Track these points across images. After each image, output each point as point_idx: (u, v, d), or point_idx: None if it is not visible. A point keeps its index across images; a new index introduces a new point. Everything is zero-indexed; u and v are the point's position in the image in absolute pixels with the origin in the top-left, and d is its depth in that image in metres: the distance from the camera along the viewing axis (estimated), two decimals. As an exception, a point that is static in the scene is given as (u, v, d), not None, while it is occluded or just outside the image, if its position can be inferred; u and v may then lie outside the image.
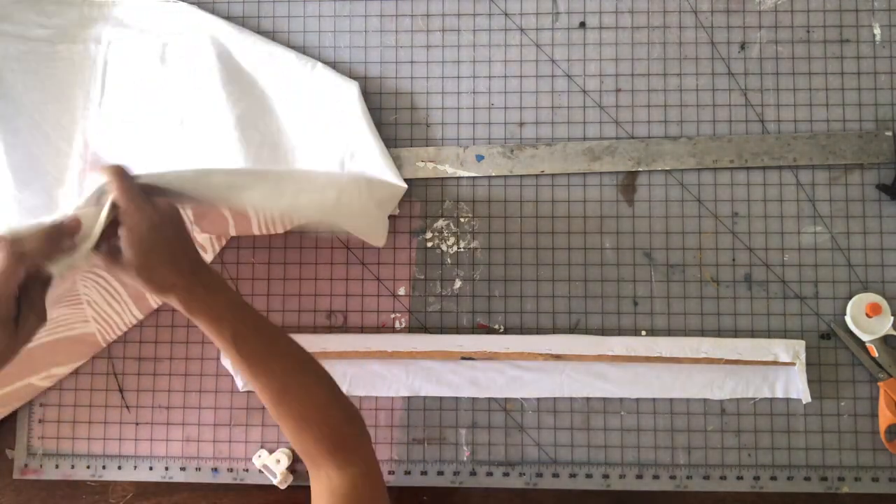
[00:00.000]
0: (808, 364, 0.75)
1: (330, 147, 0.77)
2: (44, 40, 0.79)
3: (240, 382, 0.79)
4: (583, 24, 0.81)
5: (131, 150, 0.76)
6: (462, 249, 0.80)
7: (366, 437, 0.57)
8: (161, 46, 0.79)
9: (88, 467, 0.80)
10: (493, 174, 0.80)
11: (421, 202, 0.81)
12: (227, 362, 0.78)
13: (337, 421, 0.56)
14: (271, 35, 0.82)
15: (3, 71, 0.77)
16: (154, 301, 0.78)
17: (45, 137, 0.76)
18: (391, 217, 0.80)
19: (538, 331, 0.78)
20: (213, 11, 0.81)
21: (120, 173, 0.53)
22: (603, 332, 0.78)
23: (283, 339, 0.58)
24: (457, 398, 0.78)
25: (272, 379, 0.55)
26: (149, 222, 0.51)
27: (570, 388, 0.77)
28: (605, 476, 0.76)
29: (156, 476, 0.79)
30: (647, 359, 0.76)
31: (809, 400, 0.75)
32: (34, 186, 0.73)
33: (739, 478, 0.76)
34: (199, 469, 0.79)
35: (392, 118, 0.81)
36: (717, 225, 0.78)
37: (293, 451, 0.78)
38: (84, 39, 0.79)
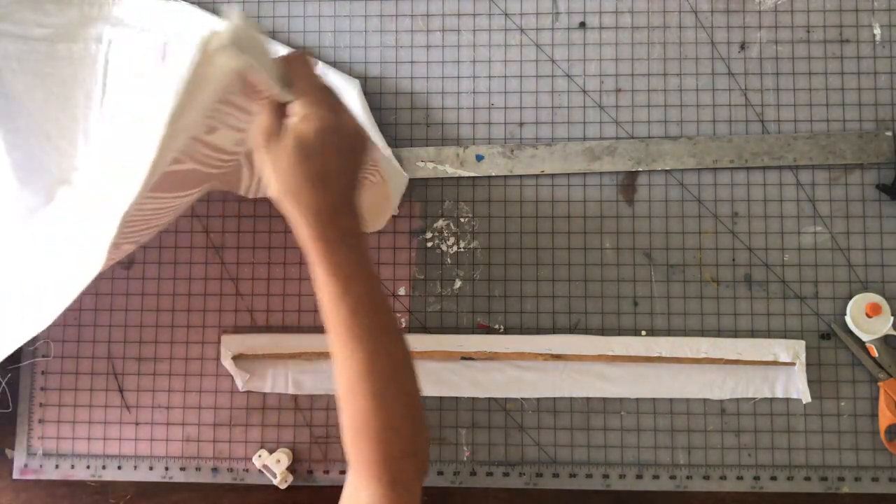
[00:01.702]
0: (808, 364, 0.75)
1: None
2: (43, 40, 0.79)
3: (239, 383, 0.79)
4: (583, 24, 0.81)
5: (133, 150, 0.76)
6: (462, 249, 0.80)
7: (422, 477, 0.50)
8: (162, 45, 0.79)
9: (88, 467, 0.80)
10: (493, 174, 0.80)
11: (421, 202, 0.81)
12: (227, 361, 0.78)
13: (408, 439, 0.47)
14: (272, 35, 0.82)
15: (3, 71, 0.77)
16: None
17: (47, 137, 0.76)
18: (391, 217, 0.80)
19: (538, 331, 0.78)
20: (213, 11, 0.81)
21: (306, 61, 0.43)
22: (603, 332, 0.78)
23: (396, 324, 0.48)
24: (457, 398, 0.78)
25: (373, 359, 0.45)
26: (322, 122, 0.41)
27: (570, 388, 0.77)
28: (605, 476, 0.76)
29: (156, 476, 0.79)
30: (647, 359, 0.76)
31: (809, 400, 0.75)
32: (35, 186, 0.73)
33: (739, 478, 0.76)
34: (199, 469, 0.79)
35: (392, 118, 0.81)
36: (717, 225, 0.78)
37: (293, 451, 0.78)
38: (84, 38, 0.79)
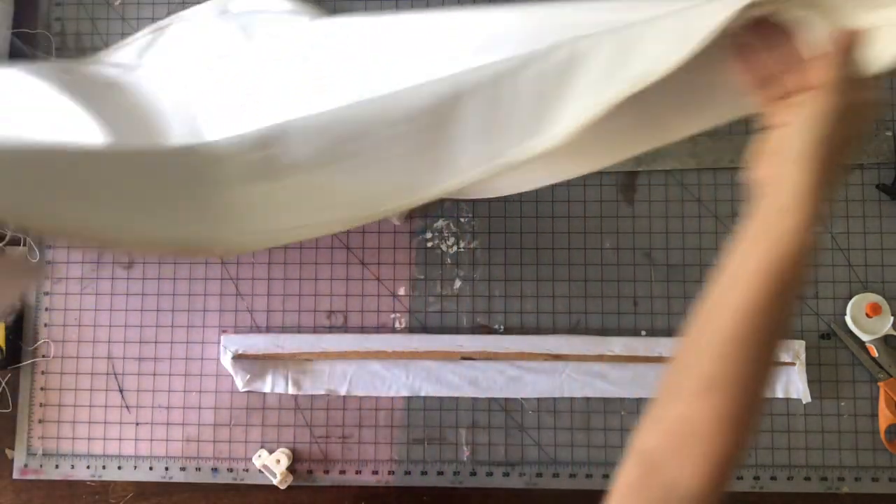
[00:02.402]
0: (808, 364, 0.75)
1: None
2: None
3: (239, 383, 0.79)
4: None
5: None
6: (462, 249, 0.80)
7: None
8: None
9: (88, 467, 0.79)
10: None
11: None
12: (227, 361, 0.78)
13: (742, 445, 0.39)
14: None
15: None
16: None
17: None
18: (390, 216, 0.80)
19: (538, 331, 0.78)
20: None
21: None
22: (603, 332, 0.78)
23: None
24: (457, 398, 0.78)
25: (757, 357, 0.39)
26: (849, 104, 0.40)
27: (570, 388, 0.77)
28: (606, 476, 0.76)
29: (156, 476, 0.79)
30: (647, 359, 0.76)
31: (809, 400, 0.75)
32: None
33: (739, 478, 0.76)
34: (199, 469, 0.79)
35: (392, 118, 0.81)
36: (717, 225, 0.78)
37: (293, 451, 0.78)
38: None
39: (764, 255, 0.38)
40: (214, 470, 0.79)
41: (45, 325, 0.82)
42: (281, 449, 0.78)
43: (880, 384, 0.75)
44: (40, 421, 0.80)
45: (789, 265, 0.38)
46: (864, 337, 0.75)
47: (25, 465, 0.80)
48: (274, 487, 0.77)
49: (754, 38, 0.44)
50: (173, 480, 0.79)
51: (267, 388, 0.79)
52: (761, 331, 0.38)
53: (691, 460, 0.37)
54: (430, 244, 0.80)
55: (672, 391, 0.41)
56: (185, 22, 0.77)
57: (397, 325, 0.80)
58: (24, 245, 0.82)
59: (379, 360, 0.78)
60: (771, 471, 0.75)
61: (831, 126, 0.40)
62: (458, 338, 0.78)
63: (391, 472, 0.78)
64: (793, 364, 0.75)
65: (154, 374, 0.80)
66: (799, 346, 0.75)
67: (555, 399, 0.77)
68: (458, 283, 0.80)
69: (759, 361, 0.39)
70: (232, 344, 0.79)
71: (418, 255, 0.80)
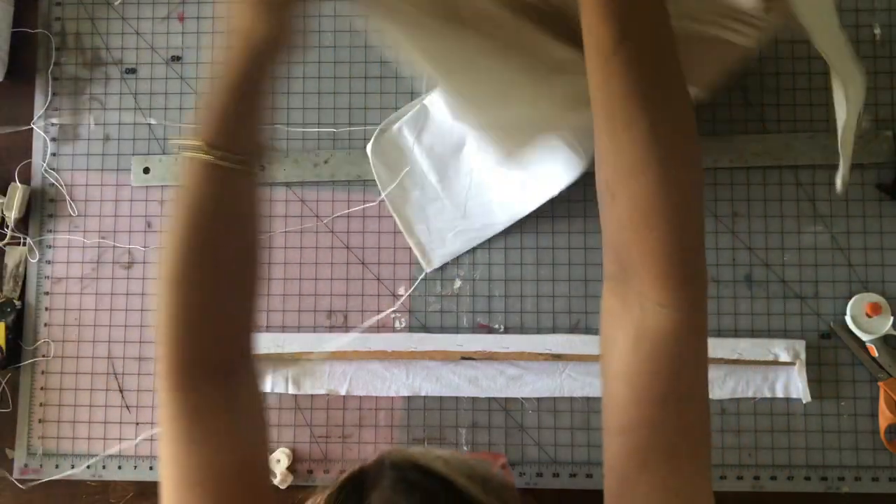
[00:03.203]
0: (808, 364, 0.75)
1: None
2: None
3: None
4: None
5: None
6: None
7: (705, 285, 0.39)
8: None
9: (88, 467, 0.79)
10: (493, 174, 0.80)
11: (421, 202, 0.80)
12: None
13: (692, 241, 0.38)
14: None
15: None
16: None
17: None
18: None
19: (538, 331, 0.78)
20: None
21: None
22: (603, 332, 0.78)
23: (683, 80, 0.39)
24: (457, 398, 0.78)
25: (656, 127, 0.37)
26: None
27: (570, 388, 0.77)
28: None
29: (156, 476, 0.79)
30: (647, 359, 0.76)
31: (809, 400, 0.75)
32: None
33: (739, 478, 0.76)
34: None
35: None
36: (717, 225, 0.78)
37: (293, 451, 0.78)
38: None
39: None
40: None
41: (45, 325, 0.82)
42: (281, 449, 0.78)
43: (880, 384, 0.75)
44: (40, 421, 0.80)
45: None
46: (864, 337, 0.75)
47: (25, 465, 0.80)
48: (274, 487, 0.77)
49: None
50: (173, 480, 0.79)
51: (267, 388, 0.79)
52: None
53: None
54: (430, 244, 0.80)
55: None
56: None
57: (397, 325, 0.80)
58: (24, 245, 0.82)
59: (379, 360, 0.78)
60: (771, 471, 0.75)
61: None
62: (458, 338, 0.78)
63: (391, 472, 0.78)
64: (793, 364, 0.75)
65: (154, 374, 0.80)
66: (799, 346, 0.75)
67: (555, 399, 0.77)
68: (458, 283, 0.80)
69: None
70: (232, 344, 0.79)
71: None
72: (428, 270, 0.79)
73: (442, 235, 0.78)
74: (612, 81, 0.36)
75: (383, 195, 0.79)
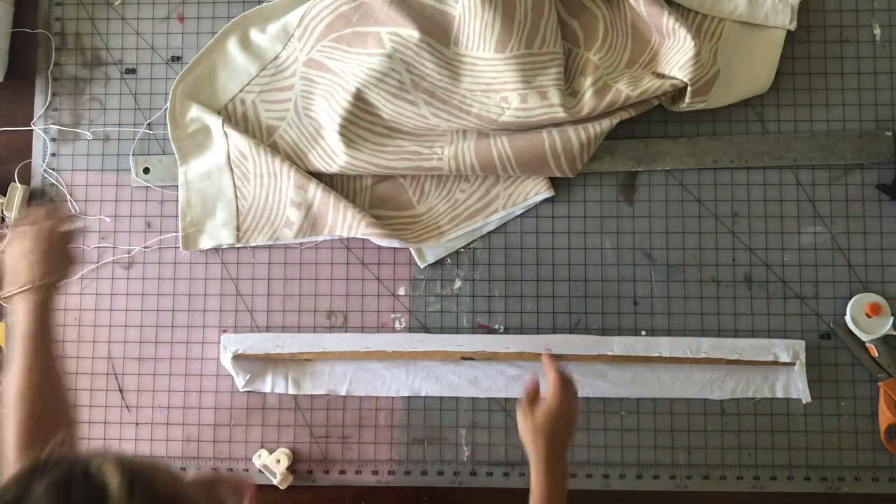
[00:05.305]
0: (808, 364, 0.75)
1: None
2: None
3: (240, 383, 0.79)
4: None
5: None
6: (462, 249, 0.80)
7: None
8: None
9: (88, 467, 0.79)
10: (493, 174, 0.80)
11: (421, 202, 0.80)
12: (227, 361, 0.78)
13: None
14: (271, 35, 0.82)
15: None
16: None
17: None
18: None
19: (538, 331, 0.78)
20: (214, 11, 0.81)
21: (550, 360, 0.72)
22: (603, 332, 0.78)
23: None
24: (457, 398, 0.78)
25: None
26: (564, 404, 0.65)
27: (570, 388, 0.77)
28: (606, 476, 0.76)
29: (156, 476, 0.79)
30: (647, 359, 0.76)
31: (809, 400, 0.75)
32: None
33: (739, 478, 0.76)
34: (200, 469, 0.79)
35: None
36: (717, 225, 0.78)
37: (293, 451, 0.78)
38: None
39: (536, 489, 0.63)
40: (214, 470, 0.79)
41: (45, 325, 0.82)
42: (281, 449, 0.78)
43: (880, 384, 0.75)
44: (40, 421, 0.80)
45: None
46: (864, 337, 0.75)
47: (25, 465, 0.80)
48: (274, 487, 0.77)
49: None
50: (173, 480, 0.79)
51: (267, 388, 0.79)
52: None
53: None
54: (430, 244, 0.80)
55: None
56: None
57: (397, 325, 0.80)
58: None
59: (379, 360, 0.78)
60: (771, 471, 0.75)
61: (552, 425, 0.64)
62: (458, 338, 0.78)
63: (391, 472, 0.78)
64: (793, 364, 0.75)
65: (154, 374, 0.80)
66: (799, 346, 0.75)
67: (555, 399, 0.77)
68: (458, 283, 0.80)
69: None
70: (232, 344, 0.79)
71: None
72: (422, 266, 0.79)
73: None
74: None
75: None
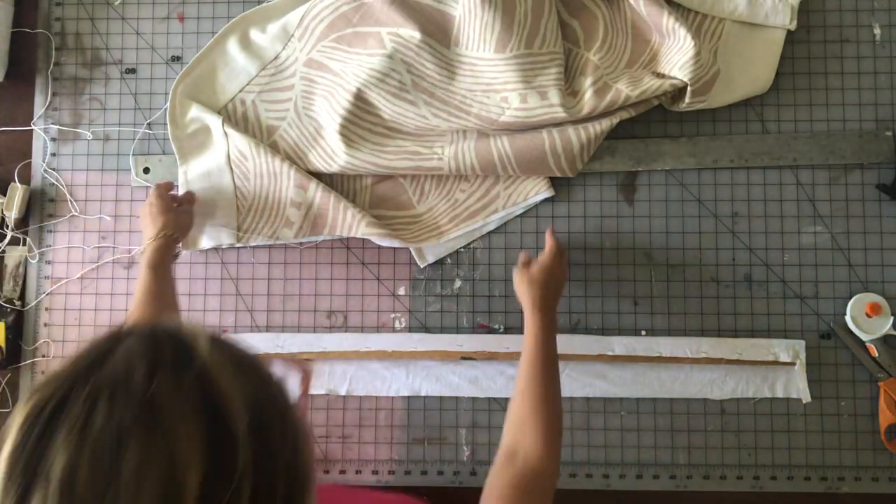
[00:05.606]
0: (808, 364, 0.75)
1: None
2: None
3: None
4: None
5: None
6: (462, 249, 0.80)
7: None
8: None
9: (88, 467, 0.79)
10: (493, 174, 0.80)
11: (421, 202, 0.80)
12: None
13: (558, 417, 0.63)
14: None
15: None
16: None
17: None
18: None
19: (538, 331, 0.78)
20: (215, 12, 0.81)
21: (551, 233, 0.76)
22: (603, 332, 0.78)
23: (556, 359, 0.68)
24: (457, 398, 0.78)
25: (549, 367, 0.65)
26: (557, 264, 0.71)
27: (570, 388, 0.77)
28: (606, 476, 0.76)
29: (156, 476, 0.79)
30: (647, 359, 0.76)
31: (809, 400, 0.75)
32: None
33: (739, 478, 0.76)
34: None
35: (392, 118, 0.81)
36: (717, 225, 0.78)
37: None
38: None
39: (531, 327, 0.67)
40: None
41: (45, 325, 0.82)
42: (281, 449, 0.78)
43: (880, 384, 0.75)
44: (40, 421, 0.80)
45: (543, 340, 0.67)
46: (864, 337, 0.75)
47: (25, 465, 0.80)
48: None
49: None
50: (173, 480, 0.79)
51: (267, 388, 0.79)
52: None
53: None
54: (430, 244, 0.80)
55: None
56: None
57: (397, 325, 0.80)
58: (24, 245, 0.82)
59: (379, 360, 0.78)
60: (771, 471, 0.75)
61: (546, 277, 0.70)
62: (458, 338, 0.78)
63: (391, 472, 0.78)
64: (793, 364, 0.75)
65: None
66: (799, 346, 0.75)
67: (555, 399, 0.77)
68: (458, 283, 0.80)
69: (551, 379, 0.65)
70: (232, 344, 0.79)
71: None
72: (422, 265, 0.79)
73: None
74: (540, 355, 0.66)
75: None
